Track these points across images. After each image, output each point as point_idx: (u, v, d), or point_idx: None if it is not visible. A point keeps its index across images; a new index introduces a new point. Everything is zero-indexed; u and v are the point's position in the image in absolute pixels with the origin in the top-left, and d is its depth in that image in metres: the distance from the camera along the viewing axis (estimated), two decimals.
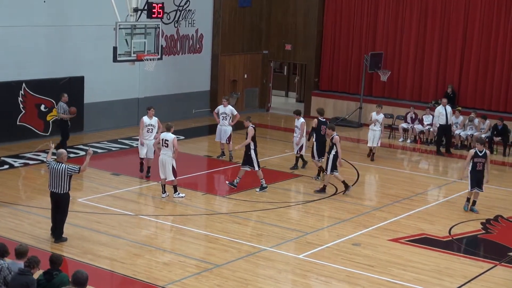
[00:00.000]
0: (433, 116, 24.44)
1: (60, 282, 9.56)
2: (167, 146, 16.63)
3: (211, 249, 13.92)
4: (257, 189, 17.75)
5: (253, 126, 17.80)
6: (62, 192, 13.62)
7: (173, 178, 16.79)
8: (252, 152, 17.56)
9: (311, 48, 28.67)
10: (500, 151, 23.24)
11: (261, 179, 17.78)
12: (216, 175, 19.97)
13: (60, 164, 13.56)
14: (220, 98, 27.20)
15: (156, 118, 18.54)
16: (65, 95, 20.40)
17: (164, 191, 16.99)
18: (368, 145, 21.67)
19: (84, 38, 23.17)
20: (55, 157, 13.89)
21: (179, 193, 16.99)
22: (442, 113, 22.84)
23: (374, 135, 21.37)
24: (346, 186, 17.73)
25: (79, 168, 13.66)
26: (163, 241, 14.47)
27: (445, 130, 23.01)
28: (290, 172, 19.77)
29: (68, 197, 13.83)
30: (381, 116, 21.50)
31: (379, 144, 21.58)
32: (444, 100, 23.28)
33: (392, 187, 18.88)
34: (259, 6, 28.95)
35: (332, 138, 17.61)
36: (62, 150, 14.01)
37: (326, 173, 17.82)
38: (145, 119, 18.40)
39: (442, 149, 23.08)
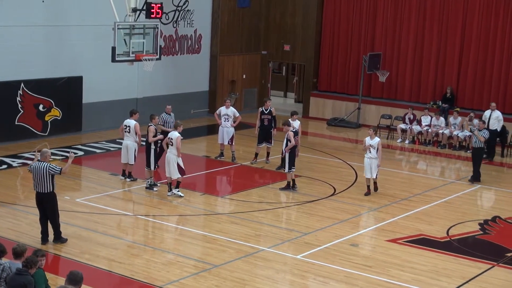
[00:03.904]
0: (431, 117, 24.52)
1: (38, 276, 9.65)
2: (172, 145, 16.81)
3: (209, 249, 13.91)
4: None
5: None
6: (46, 191, 13.38)
7: (178, 176, 16.92)
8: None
9: (309, 48, 28.67)
10: (498, 152, 23.20)
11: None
12: (215, 175, 19.96)
13: (42, 163, 13.33)
14: (219, 99, 27.27)
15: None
16: (169, 106, 19.98)
17: (170, 189, 17.09)
18: (366, 176, 17.81)
19: (83, 38, 23.15)
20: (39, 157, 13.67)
21: (178, 191, 17.01)
22: (486, 116, 22.21)
23: (371, 164, 17.56)
24: (288, 187, 17.96)
25: (61, 169, 13.33)
26: (161, 241, 14.46)
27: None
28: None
29: (53, 197, 13.53)
30: (376, 140, 17.61)
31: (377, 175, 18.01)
32: (493, 104, 22.47)
33: (390, 187, 18.87)
34: (257, 6, 28.94)
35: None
36: (46, 150, 13.68)
37: (284, 170, 18.16)
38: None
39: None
